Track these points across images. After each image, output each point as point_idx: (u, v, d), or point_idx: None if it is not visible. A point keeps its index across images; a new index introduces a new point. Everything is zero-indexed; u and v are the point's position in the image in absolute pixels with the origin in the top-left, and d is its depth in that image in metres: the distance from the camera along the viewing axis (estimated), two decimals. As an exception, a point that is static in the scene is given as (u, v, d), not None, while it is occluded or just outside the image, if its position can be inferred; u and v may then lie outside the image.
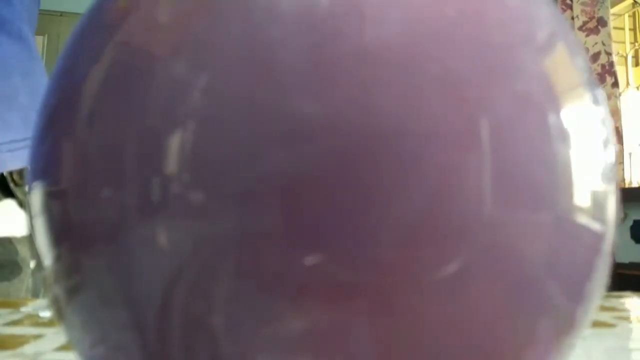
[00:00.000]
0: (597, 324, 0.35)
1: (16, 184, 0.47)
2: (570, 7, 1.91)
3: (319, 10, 0.10)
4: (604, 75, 1.87)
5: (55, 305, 0.13)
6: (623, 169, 1.85)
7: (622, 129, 1.85)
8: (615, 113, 1.85)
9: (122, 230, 0.11)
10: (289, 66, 0.10)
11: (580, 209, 0.12)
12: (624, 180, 1.83)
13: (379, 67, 0.10)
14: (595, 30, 1.89)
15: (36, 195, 0.12)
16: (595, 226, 0.12)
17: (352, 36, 0.10)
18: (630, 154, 1.92)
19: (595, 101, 0.13)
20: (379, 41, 0.10)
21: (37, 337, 0.28)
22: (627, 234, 1.57)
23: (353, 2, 0.10)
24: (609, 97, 1.85)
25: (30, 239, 0.13)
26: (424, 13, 0.11)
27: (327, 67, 0.10)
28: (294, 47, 0.10)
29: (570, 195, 0.11)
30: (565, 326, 0.12)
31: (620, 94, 1.86)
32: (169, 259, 0.10)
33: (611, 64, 1.87)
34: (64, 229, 0.12)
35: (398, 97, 0.10)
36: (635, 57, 2.20)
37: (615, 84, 1.86)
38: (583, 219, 0.12)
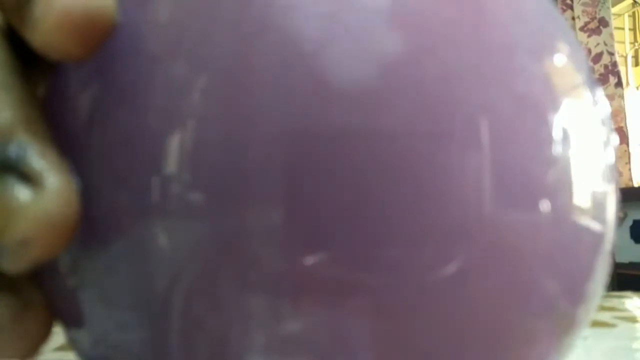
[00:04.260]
0: (597, 324, 0.35)
1: None
2: (571, 8, 1.90)
3: (315, 10, 0.10)
4: (607, 75, 1.87)
5: (55, 304, 0.13)
6: (630, 169, 1.84)
7: (627, 129, 1.84)
8: (619, 113, 1.84)
9: (122, 230, 0.11)
10: (289, 66, 0.10)
11: (580, 209, 0.12)
12: (631, 179, 1.82)
13: (378, 68, 0.10)
14: (597, 31, 1.88)
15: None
16: (595, 226, 0.12)
17: (352, 36, 0.10)
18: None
19: (595, 101, 0.13)
20: (378, 42, 0.10)
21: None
22: (627, 234, 1.57)
23: (352, 2, 0.10)
24: (612, 97, 1.84)
25: None
26: (424, 13, 0.11)
27: (327, 66, 0.10)
28: (293, 47, 0.10)
29: (570, 195, 0.11)
30: (565, 326, 0.12)
31: (624, 94, 1.85)
32: (169, 259, 0.10)
33: (614, 64, 1.87)
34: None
35: (398, 97, 0.10)
36: (635, 57, 2.19)
37: (619, 84, 1.86)
38: (583, 219, 0.12)
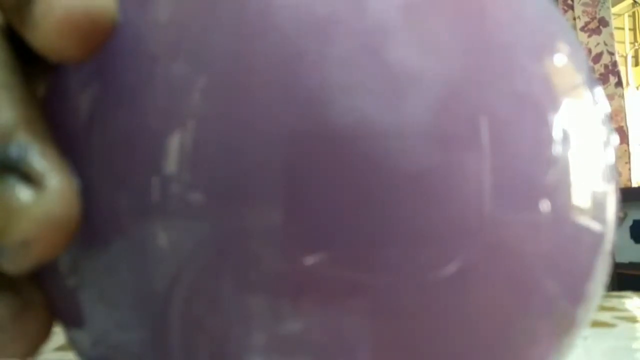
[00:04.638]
0: (597, 324, 0.35)
1: None
2: (572, 8, 1.90)
3: (315, 10, 0.10)
4: (607, 75, 1.87)
5: (55, 304, 0.13)
6: (630, 169, 1.84)
7: (627, 129, 1.85)
8: (619, 113, 1.84)
9: (122, 230, 0.11)
10: (289, 66, 0.10)
11: (580, 209, 0.12)
12: (630, 179, 1.82)
13: (378, 68, 0.10)
14: (597, 31, 1.88)
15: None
16: (595, 226, 0.12)
17: (351, 36, 0.10)
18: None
19: (595, 101, 0.13)
20: (378, 42, 0.10)
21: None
22: (627, 234, 1.57)
23: (350, 3, 0.10)
24: (612, 96, 1.84)
25: None
26: (424, 13, 0.11)
27: (326, 66, 0.10)
28: (293, 47, 0.10)
29: (570, 195, 0.11)
30: (565, 326, 0.12)
31: (624, 94, 1.85)
32: (169, 259, 0.10)
33: (614, 64, 1.87)
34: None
35: (397, 98, 0.10)
36: (635, 57, 2.19)
37: (619, 84, 1.86)
38: (583, 219, 0.12)
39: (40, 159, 0.10)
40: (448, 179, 0.10)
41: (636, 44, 2.19)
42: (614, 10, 1.97)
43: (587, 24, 1.90)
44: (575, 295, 0.12)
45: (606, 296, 0.48)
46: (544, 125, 0.11)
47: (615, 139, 0.14)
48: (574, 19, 1.90)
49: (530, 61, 0.11)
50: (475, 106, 0.10)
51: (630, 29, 2.18)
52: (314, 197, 0.10)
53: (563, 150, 0.11)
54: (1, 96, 0.10)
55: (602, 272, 0.13)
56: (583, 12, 1.90)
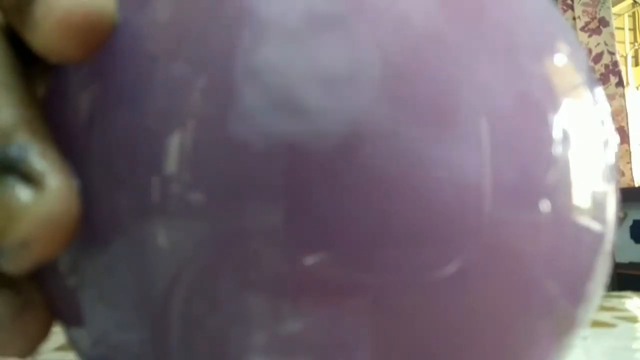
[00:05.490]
0: (597, 324, 0.35)
1: None
2: (572, 8, 1.90)
3: (316, 10, 0.10)
4: (608, 75, 1.87)
5: (55, 304, 0.13)
6: (631, 169, 1.84)
7: (628, 129, 1.85)
8: (620, 112, 1.84)
9: (122, 230, 0.11)
10: (290, 65, 0.10)
11: (580, 209, 0.12)
12: (632, 179, 1.82)
13: (378, 69, 0.10)
14: (597, 31, 1.88)
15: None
16: (595, 226, 0.12)
17: (351, 35, 0.10)
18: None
19: (595, 101, 0.13)
20: (376, 40, 0.10)
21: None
22: (627, 234, 1.57)
23: (349, 3, 0.10)
24: (613, 96, 1.84)
25: None
26: (424, 14, 0.11)
27: (326, 66, 0.10)
28: (293, 46, 0.10)
29: (570, 195, 0.11)
30: (565, 326, 0.12)
31: (625, 94, 1.85)
32: (169, 259, 0.10)
33: (615, 64, 1.87)
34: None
35: (398, 97, 0.10)
36: (635, 57, 2.19)
37: (620, 84, 1.86)
38: (583, 219, 0.12)
39: (40, 159, 0.10)
40: (448, 179, 0.10)
41: (636, 44, 2.19)
42: (614, 10, 1.97)
43: (587, 24, 1.90)
44: (575, 295, 0.12)
45: (606, 296, 0.48)
46: (544, 125, 0.11)
47: (616, 139, 0.14)
48: (574, 18, 1.90)
49: (530, 61, 0.11)
50: (476, 106, 0.10)
51: (630, 29, 2.18)
52: (314, 197, 0.10)
53: (563, 150, 0.11)
54: (1, 96, 0.10)
55: (602, 272, 0.13)
56: (583, 12, 1.90)
